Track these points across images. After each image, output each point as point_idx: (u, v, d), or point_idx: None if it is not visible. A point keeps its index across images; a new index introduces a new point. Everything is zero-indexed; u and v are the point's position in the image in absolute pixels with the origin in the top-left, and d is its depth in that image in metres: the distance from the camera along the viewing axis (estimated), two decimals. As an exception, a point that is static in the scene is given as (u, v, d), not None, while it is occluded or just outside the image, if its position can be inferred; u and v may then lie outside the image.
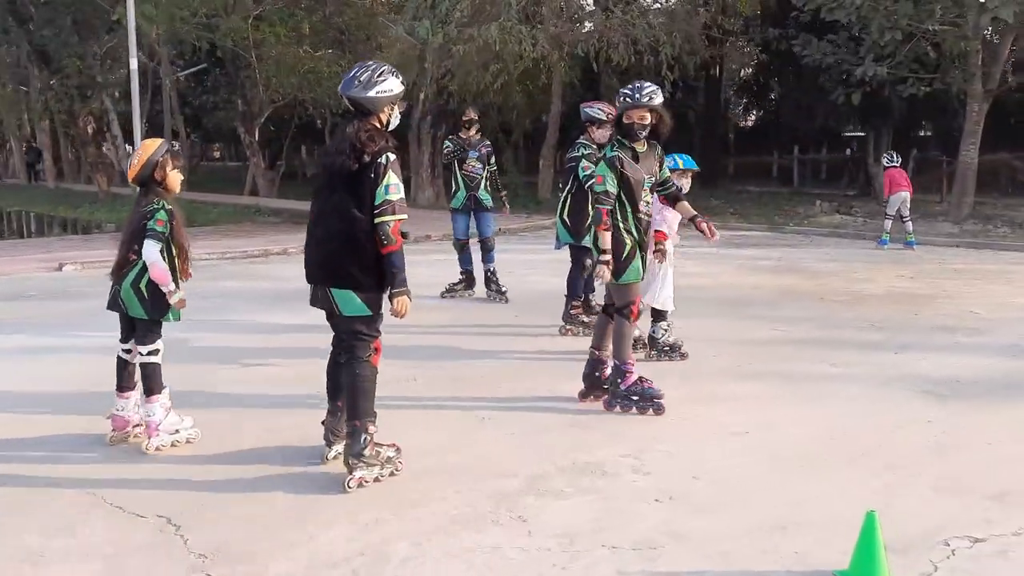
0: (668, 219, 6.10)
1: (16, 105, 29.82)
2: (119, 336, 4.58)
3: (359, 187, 3.91)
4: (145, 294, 4.38)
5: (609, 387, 5.19)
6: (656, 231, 5.81)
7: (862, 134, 26.09)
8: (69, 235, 21.32)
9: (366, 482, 3.95)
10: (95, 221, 21.76)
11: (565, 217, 7.05)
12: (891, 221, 13.13)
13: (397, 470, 4.10)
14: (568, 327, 7.17)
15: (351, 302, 3.96)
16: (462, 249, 8.71)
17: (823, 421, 4.97)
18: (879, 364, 6.21)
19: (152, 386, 4.45)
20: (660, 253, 5.89)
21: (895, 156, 13.63)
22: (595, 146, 6.87)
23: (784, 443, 4.58)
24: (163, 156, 4.43)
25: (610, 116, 7.02)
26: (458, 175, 8.40)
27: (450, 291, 8.74)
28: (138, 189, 4.56)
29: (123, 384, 4.55)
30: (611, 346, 5.23)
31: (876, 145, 23.91)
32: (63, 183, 32.65)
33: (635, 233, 5.16)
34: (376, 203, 3.88)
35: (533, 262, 11.26)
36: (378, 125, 4.01)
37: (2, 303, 8.72)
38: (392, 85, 4.01)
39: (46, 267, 11.11)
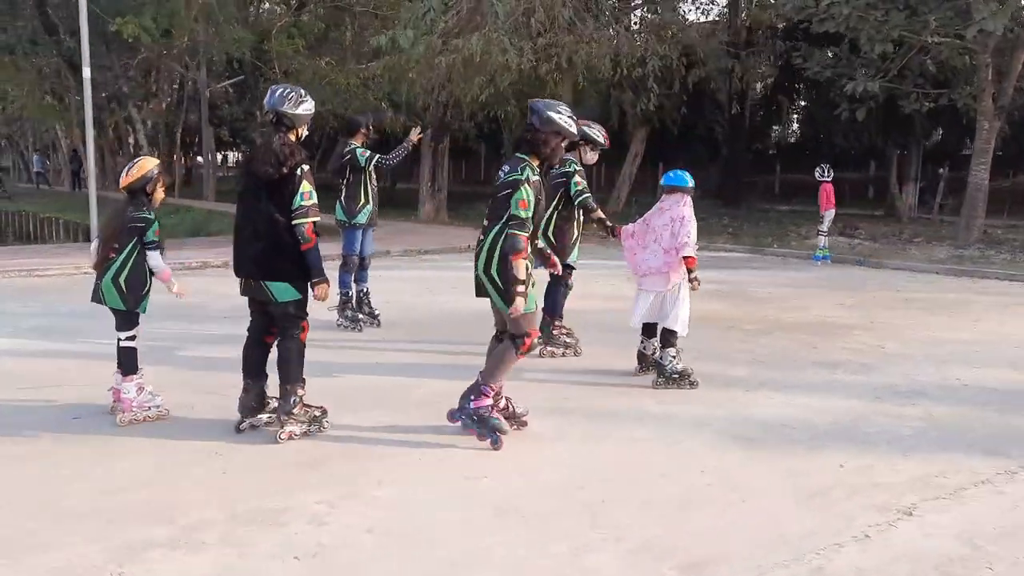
0: (691, 241, 5.98)
1: (57, 114, 30.72)
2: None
3: (281, 194, 4.58)
4: (124, 288, 4.96)
5: (460, 400, 4.85)
6: (686, 257, 5.90)
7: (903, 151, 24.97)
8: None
9: (295, 435, 4.71)
10: None
11: (549, 234, 6.67)
12: (826, 237, 13.50)
13: (323, 428, 4.84)
14: (549, 348, 6.83)
15: (285, 291, 4.68)
16: (357, 266, 8.01)
17: (581, 466, 4.47)
18: (714, 403, 5.65)
19: (129, 367, 5.04)
20: (697, 281, 5.93)
21: (827, 170, 13.37)
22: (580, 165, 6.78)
23: (514, 492, 4.11)
24: (157, 174, 5.04)
25: (606, 140, 6.84)
26: (369, 189, 7.87)
27: (352, 320, 7.87)
28: (126, 195, 5.06)
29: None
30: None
31: (901, 163, 22.83)
32: (103, 191, 33.49)
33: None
34: (293, 208, 4.56)
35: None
36: (293, 139, 4.67)
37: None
38: (311, 106, 4.77)
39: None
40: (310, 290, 4.74)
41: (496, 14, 16.34)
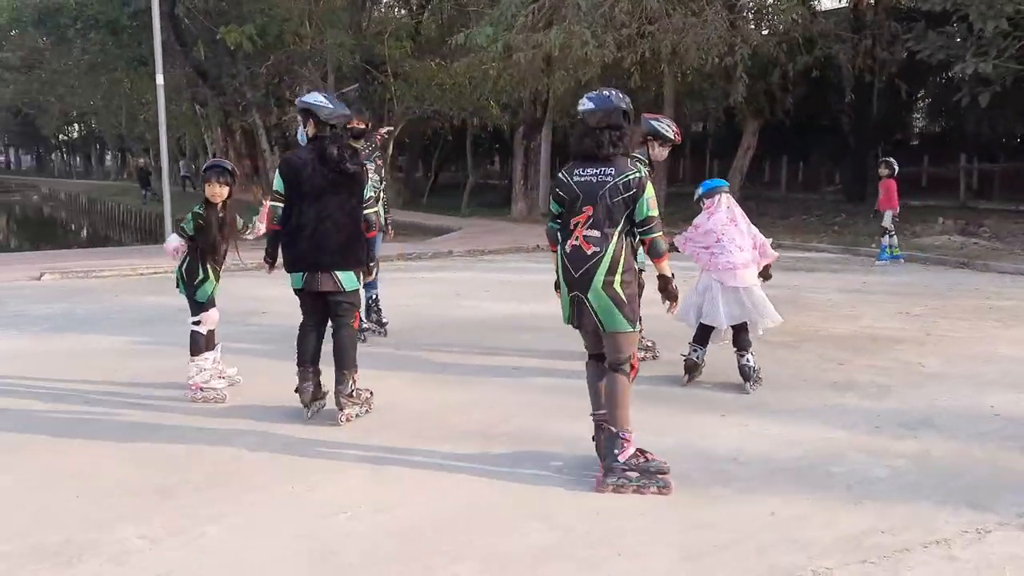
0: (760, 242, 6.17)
1: (190, 121, 32.44)
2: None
3: (355, 189, 5.12)
4: (184, 276, 5.55)
5: (604, 463, 4.20)
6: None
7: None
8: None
9: (352, 417, 5.09)
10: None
11: None
12: (891, 235, 12.41)
13: (370, 409, 5.24)
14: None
15: (352, 280, 5.12)
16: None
17: (453, 502, 3.98)
18: (671, 428, 4.98)
19: (194, 349, 5.55)
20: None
21: (889, 166, 12.23)
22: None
23: (357, 534, 3.68)
24: (207, 176, 5.50)
25: (676, 135, 6.35)
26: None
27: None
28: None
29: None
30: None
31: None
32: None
33: None
34: (364, 200, 5.16)
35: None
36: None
37: None
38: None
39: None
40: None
41: (579, 6, 15.82)
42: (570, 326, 4.38)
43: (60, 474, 4.28)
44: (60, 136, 66.03)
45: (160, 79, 12.80)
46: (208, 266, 5.52)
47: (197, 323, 5.57)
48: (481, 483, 4.21)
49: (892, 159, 12.39)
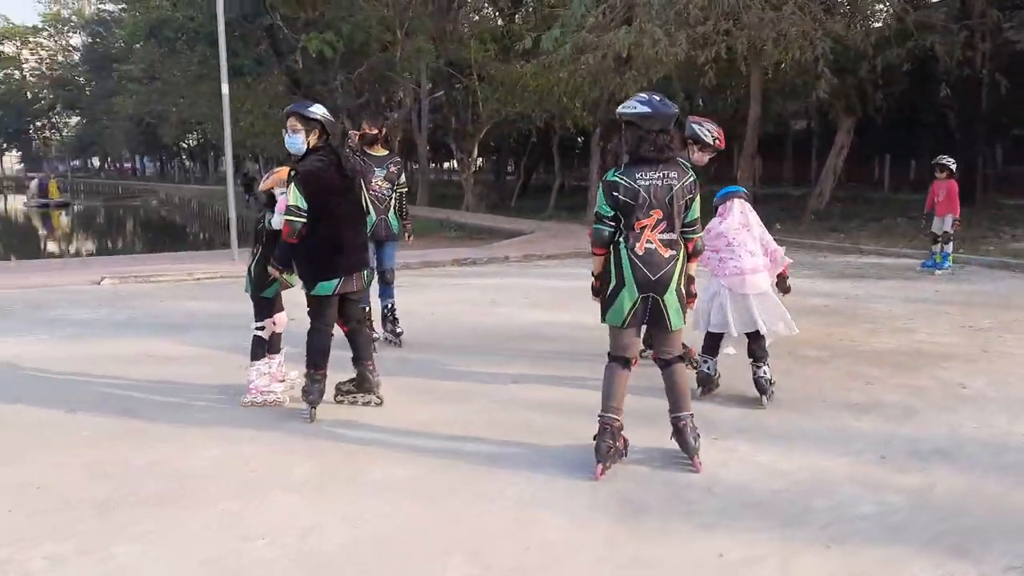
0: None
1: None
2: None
3: (359, 192, 5.67)
4: (252, 275, 5.56)
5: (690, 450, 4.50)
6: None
7: None
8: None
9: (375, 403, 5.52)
10: None
11: None
12: (945, 243, 11.45)
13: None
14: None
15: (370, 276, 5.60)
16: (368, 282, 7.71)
17: (380, 528, 3.78)
18: (655, 455, 4.64)
19: (254, 353, 5.59)
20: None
21: (952, 166, 11.40)
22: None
23: (290, 556, 3.54)
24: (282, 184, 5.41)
25: (718, 141, 6.08)
26: (367, 197, 7.54)
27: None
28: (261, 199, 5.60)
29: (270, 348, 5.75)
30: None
31: None
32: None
33: None
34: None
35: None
36: None
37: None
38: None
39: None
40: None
41: (650, 3, 15.40)
42: (623, 327, 4.44)
43: (8, 484, 4.29)
44: (180, 143, 69.25)
45: (225, 88, 13.13)
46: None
47: (260, 328, 5.61)
48: (418, 509, 3.99)
49: (950, 159, 11.50)
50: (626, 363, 4.49)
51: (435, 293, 10.19)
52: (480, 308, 9.13)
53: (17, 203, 55.83)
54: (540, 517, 3.87)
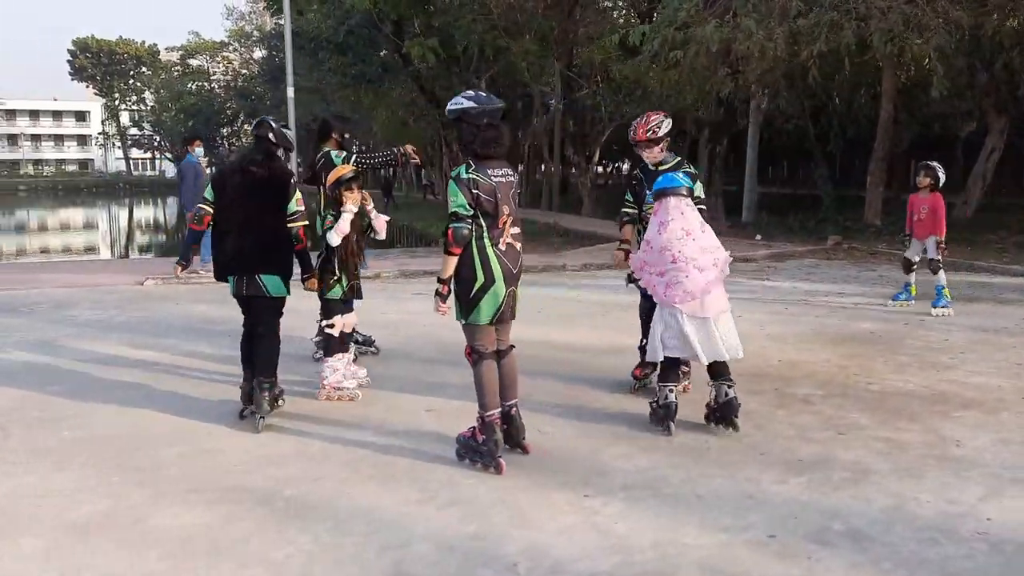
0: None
1: (411, 134, 33.78)
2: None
3: (277, 197, 5.26)
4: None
5: None
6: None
7: None
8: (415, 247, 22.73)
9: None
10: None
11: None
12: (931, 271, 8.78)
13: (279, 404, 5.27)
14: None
15: (278, 285, 5.23)
16: None
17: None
18: (501, 506, 3.90)
19: (327, 350, 5.71)
20: None
21: (939, 173, 8.76)
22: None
23: None
24: (347, 182, 5.50)
25: (633, 135, 5.55)
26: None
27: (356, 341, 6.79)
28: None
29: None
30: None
31: None
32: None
33: None
34: (290, 212, 5.24)
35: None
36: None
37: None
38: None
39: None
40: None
41: (745, -4, 14.18)
42: (490, 323, 4.47)
43: None
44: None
45: (291, 92, 13.15)
46: (341, 266, 5.57)
47: (330, 326, 5.62)
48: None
49: (937, 165, 8.86)
50: (495, 356, 4.51)
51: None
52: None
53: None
54: None
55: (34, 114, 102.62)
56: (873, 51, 13.71)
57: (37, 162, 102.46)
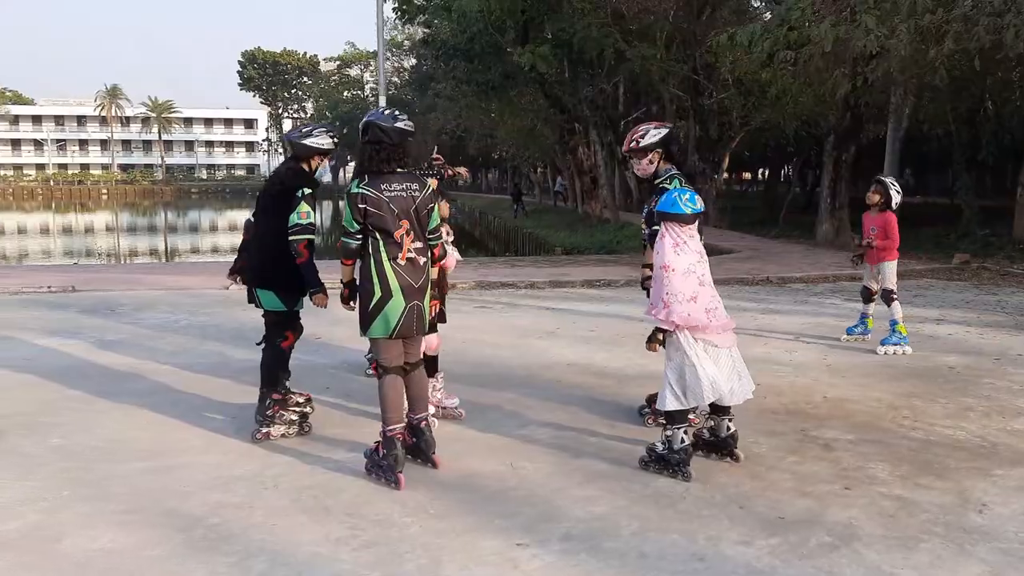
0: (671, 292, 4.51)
1: (536, 142, 33.69)
2: None
3: (281, 212, 4.98)
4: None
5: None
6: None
7: None
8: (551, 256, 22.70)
9: (272, 436, 5.05)
10: (579, 245, 23.04)
11: None
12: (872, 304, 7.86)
13: (304, 430, 5.17)
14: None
15: (271, 300, 5.15)
16: None
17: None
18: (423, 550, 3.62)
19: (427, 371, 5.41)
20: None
21: (892, 190, 7.45)
22: None
23: None
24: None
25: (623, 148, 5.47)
26: None
27: None
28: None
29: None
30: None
31: None
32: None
33: None
34: (289, 225, 4.88)
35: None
36: (305, 168, 5.15)
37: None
38: (322, 141, 5.14)
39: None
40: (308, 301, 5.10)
41: (867, -9, 13.16)
42: (391, 338, 4.46)
43: None
44: (491, 155, 73.25)
45: (383, 100, 13.25)
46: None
47: None
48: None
49: (890, 179, 7.70)
50: (402, 371, 4.51)
51: (486, 318, 9.37)
52: (517, 339, 8.13)
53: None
54: None
55: (208, 122, 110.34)
56: (1006, 49, 12.34)
57: (210, 166, 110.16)
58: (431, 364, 5.41)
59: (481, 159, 75.91)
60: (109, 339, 8.05)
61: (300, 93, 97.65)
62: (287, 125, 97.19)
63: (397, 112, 4.54)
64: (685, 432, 4.52)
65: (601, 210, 29.10)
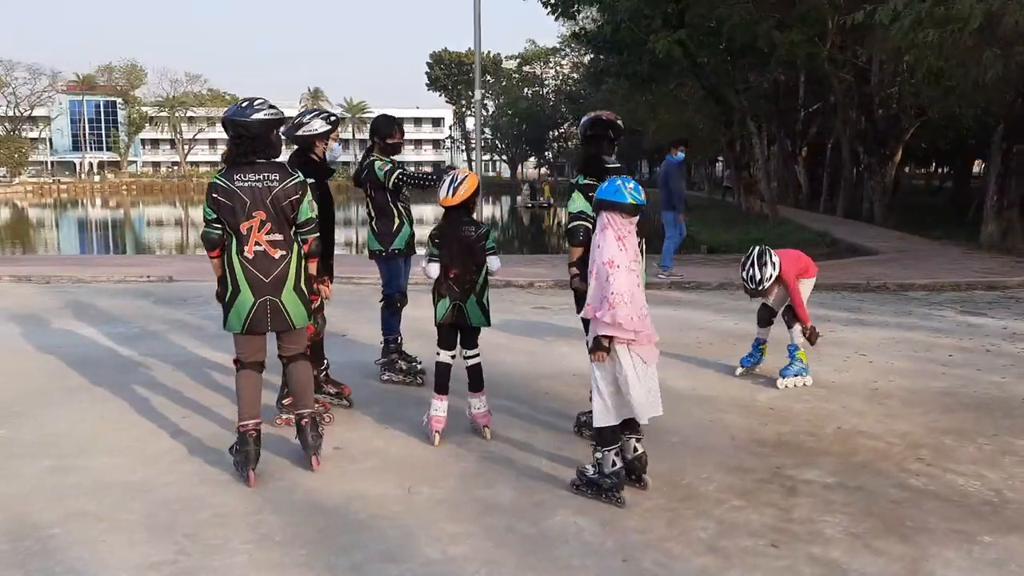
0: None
1: (695, 135, 32.26)
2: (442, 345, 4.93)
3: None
4: (487, 306, 4.90)
5: None
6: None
7: None
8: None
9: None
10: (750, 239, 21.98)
11: None
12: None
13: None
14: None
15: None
16: (401, 306, 6.41)
17: None
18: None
19: (479, 383, 4.96)
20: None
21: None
22: None
23: None
24: (478, 190, 4.94)
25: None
26: (399, 207, 6.66)
27: (410, 372, 6.31)
28: (450, 210, 4.83)
29: (445, 387, 4.91)
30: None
31: None
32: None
33: None
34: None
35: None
36: (314, 158, 5.25)
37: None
38: (315, 125, 5.24)
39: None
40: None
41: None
42: (243, 332, 4.36)
43: None
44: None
45: (478, 94, 12.96)
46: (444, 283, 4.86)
47: (479, 355, 5.03)
48: None
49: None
50: (260, 367, 4.41)
51: (526, 327, 8.77)
52: (545, 348, 7.56)
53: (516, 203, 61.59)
54: None
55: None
56: None
57: (400, 163, 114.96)
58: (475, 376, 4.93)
59: (657, 155, 74.62)
60: (154, 328, 8.21)
61: (483, 92, 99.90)
62: (469, 123, 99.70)
63: (256, 103, 4.27)
64: (616, 455, 4.01)
65: (761, 206, 27.47)
